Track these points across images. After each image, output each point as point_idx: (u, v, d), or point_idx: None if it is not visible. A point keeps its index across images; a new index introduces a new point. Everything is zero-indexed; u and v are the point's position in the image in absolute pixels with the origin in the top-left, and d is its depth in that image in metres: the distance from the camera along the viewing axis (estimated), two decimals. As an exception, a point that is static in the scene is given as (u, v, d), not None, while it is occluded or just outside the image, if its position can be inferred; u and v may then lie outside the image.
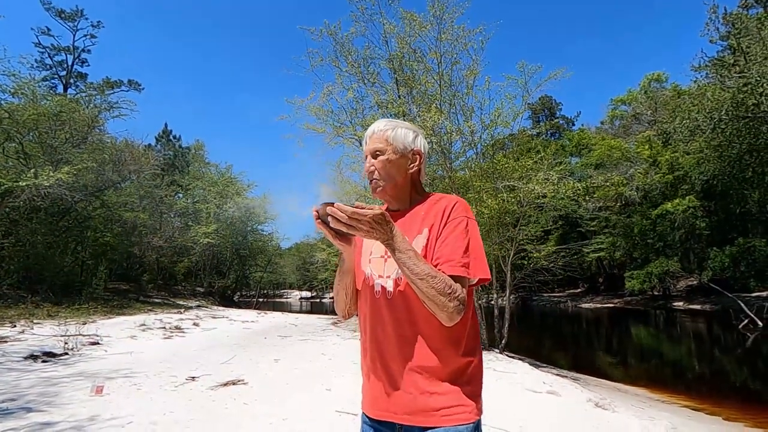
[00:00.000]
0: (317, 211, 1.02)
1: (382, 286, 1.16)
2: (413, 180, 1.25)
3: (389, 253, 1.04)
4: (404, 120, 1.28)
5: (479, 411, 1.09)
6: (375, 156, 1.21)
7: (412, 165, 1.22)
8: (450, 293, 1.00)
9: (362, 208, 0.98)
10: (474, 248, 1.09)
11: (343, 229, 1.00)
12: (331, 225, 1.01)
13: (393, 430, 1.10)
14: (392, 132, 1.21)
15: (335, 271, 1.30)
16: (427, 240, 1.12)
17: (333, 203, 0.99)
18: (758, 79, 13.77)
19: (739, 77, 14.49)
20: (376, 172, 1.21)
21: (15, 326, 8.47)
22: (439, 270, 1.04)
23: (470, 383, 1.09)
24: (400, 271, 1.05)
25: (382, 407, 1.12)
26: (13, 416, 3.51)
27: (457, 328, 1.08)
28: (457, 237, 1.09)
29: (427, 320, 1.06)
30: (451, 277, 1.03)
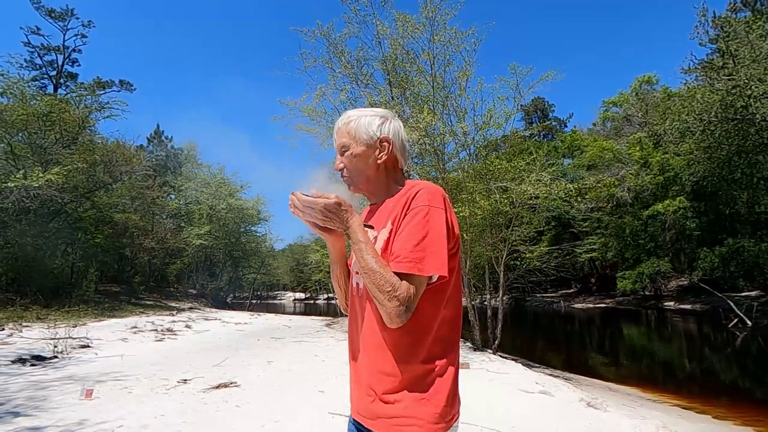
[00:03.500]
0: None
1: (357, 282, 1.11)
2: (388, 170, 1.14)
3: None
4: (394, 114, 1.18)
5: (438, 428, 0.95)
6: (342, 152, 1.13)
7: (381, 154, 1.11)
8: (390, 291, 0.91)
9: (319, 197, 0.96)
10: (431, 241, 0.95)
11: (305, 217, 0.99)
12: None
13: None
14: (354, 123, 1.12)
15: (329, 272, 1.27)
16: (390, 233, 1.02)
17: (295, 192, 0.98)
18: (746, 81, 13.96)
19: (728, 80, 14.68)
20: (345, 169, 1.13)
21: (3, 329, 8.34)
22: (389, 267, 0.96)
23: (428, 394, 0.97)
24: None
25: (354, 406, 1.09)
26: (1, 421, 3.45)
27: (415, 330, 0.98)
28: (411, 229, 0.96)
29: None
30: (398, 275, 0.93)
